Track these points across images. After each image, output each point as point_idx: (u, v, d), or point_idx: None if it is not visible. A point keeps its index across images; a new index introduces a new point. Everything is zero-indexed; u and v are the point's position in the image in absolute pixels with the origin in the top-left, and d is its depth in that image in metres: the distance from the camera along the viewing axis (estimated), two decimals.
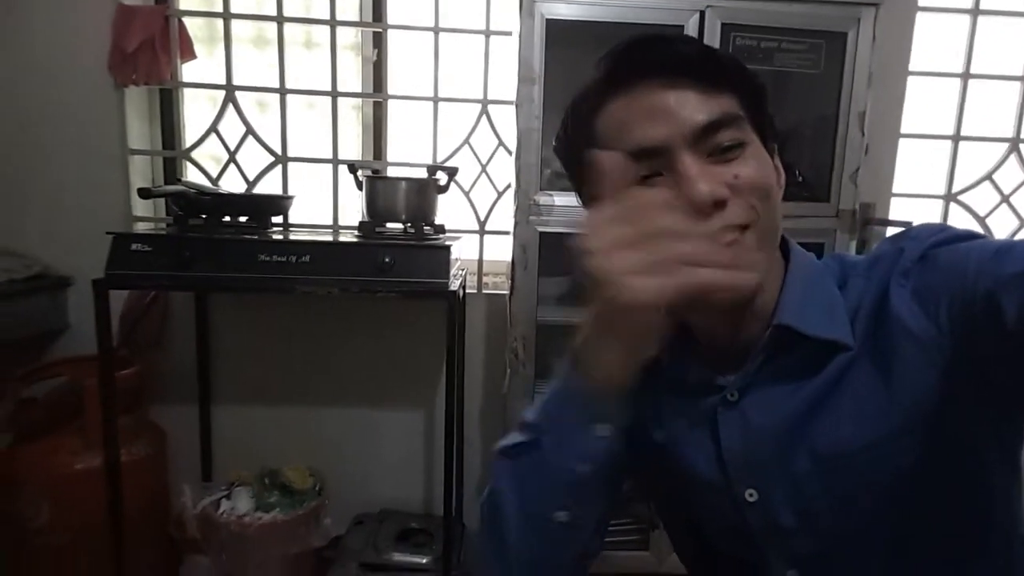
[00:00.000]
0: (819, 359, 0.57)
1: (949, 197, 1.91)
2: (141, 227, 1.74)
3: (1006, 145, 1.90)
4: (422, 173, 1.57)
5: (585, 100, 0.59)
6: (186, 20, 1.76)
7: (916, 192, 1.90)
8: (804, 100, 1.54)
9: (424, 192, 1.56)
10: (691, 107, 0.54)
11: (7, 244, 1.69)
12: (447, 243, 1.45)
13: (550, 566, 0.60)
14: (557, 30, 1.40)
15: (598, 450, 0.56)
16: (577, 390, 0.55)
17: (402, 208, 1.54)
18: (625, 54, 0.56)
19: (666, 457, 0.65)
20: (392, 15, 1.82)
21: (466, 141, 1.83)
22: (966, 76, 1.84)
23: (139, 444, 1.63)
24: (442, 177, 1.59)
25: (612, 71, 0.57)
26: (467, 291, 1.82)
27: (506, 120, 1.78)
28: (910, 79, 1.81)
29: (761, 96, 0.58)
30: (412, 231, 1.54)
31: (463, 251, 1.77)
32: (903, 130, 1.82)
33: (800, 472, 0.57)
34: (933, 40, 1.83)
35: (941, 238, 0.56)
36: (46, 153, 1.72)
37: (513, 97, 1.45)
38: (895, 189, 1.86)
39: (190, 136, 1.84)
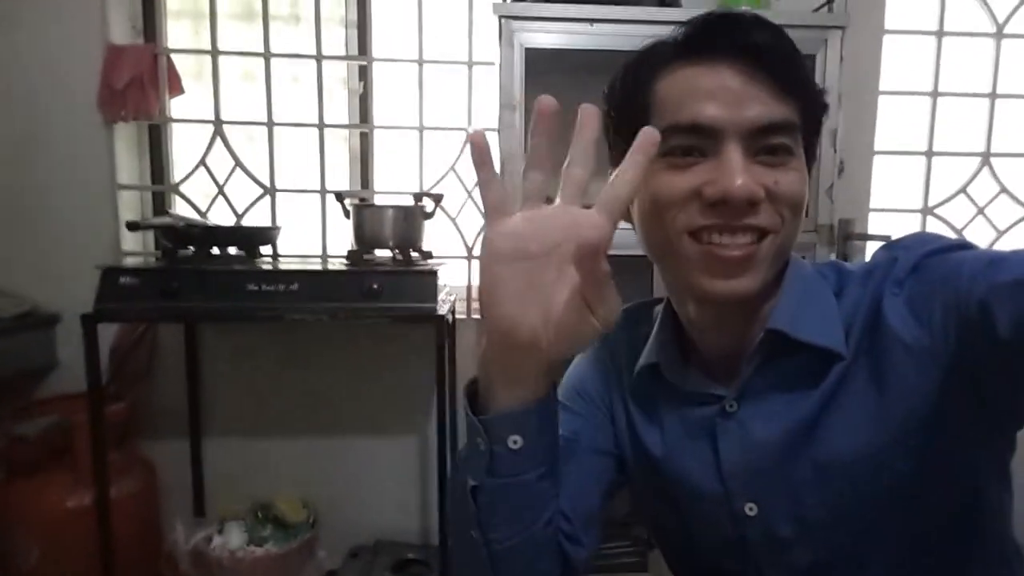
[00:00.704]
0: (816, 369, 0.57)
1: (926, 211, 1.96)
2: (130, 261, 1.75)
3: (978, 159, 1.95)
4: (409, 201, 1.59)
5: (655, 54, 0.57)
6: (175, 56, 1.79)
7: (894, 207, 1.95)
8: None
9: (411, 219, 1.58)
10: (758, 102, 0.53)
11: None
12: (434, 268, 1.47)
13: None
14: (536, 58, 1.45)
15: (478, 465, 0.53)
16: (468, 413, 0.53)
17: (389, 235, 1.56)
18: (714, 27, 0.55)
19: (663, 468, 0.65)
20: (377, 49, 1.86)
21: (451, 168, 1.87)
22: (935, 94, 1.90)
23: (129, 480, 1.61)
24: (428, 204, 1.61)
25: (695, 38, 0.55)
26: (457, 316, 1.83)
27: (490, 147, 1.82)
28: (881, 98, 1.86)
29: (821, 114, 0.58)
30: (400, 258, 1.56)
31: (452, 278, 1.79)
32: (877, 147, 1.87)
33: (799, 482, 0.57)
34: (902, 60, 1.89)
35: (934, 248, 0.56)
36: (36, 190, 1.73)
37: (496, 124, 1.48)
38: (873, 204, 1.90)
39: (179, 170, 1.87)
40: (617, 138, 0.60)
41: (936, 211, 1.96)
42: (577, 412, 0.71)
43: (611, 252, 0.44)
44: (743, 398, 0.60)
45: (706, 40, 0.55)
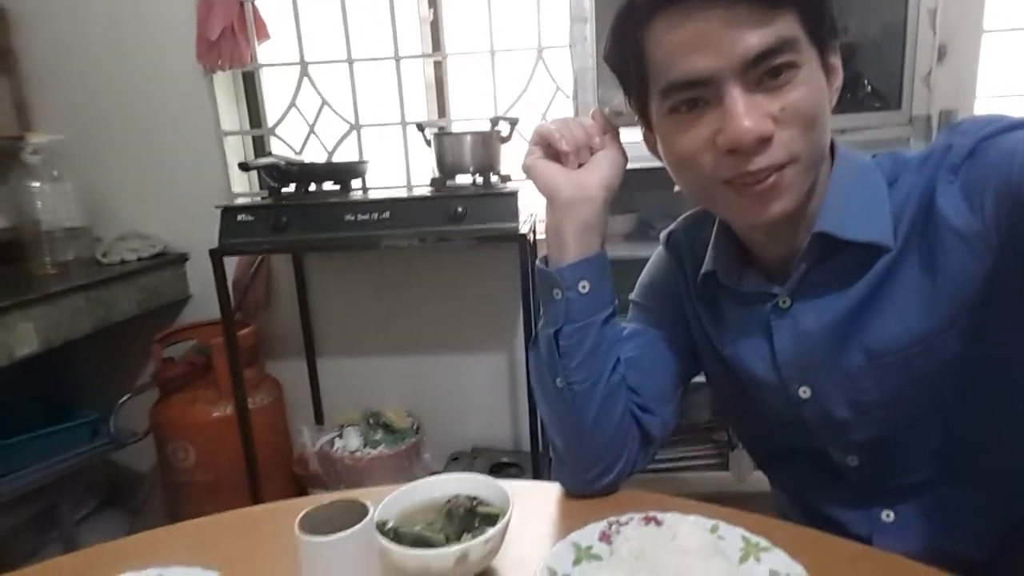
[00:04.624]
0: (863, 261, 0.59)
1: None
2: (240, 201, 1.93)
3: None
4: (485, 126, 1.64)
5: (633, 13, 0.56)
6: (259, 2, 1.88)
7: (1005, 93, 1.78)
8: (870, 3, 1.47)
9: (488, 144, 1.63)
10: (743, 34, 0.50)
11: (135, 228, 1.93)
12: (514, 190, 1.53)
13: (593, 435, 0.68)
14: None
15: (557, 312, 0.67)
16: (540, 270, 0.69)
17: (469, 161, 1.62)
18: None
19: (730, 365, 0.71)
20: None
21: (525, 90, 1.88)
22: None
23: (261, 393, 1.85)
24: (504, 128, 1.65)
25: None
26: (538, 236, 1.90)
27: (561, 64, 1.81)
28: None
29: (822, 3, 0.54)
30: (480, 181, 1.62)
31: (531, 198, 1.84)
32: (987, 26, 1.70)
33: (852, 369, 0.61)
34: None
35: (991, 130, 0.55)
36: (154, 143, 1.93)
37: (567, 39, 1.48)
38: (981, 91, 1.75)
39: (271, 112, 2.00)
40: (626, 90, 0.64)
41: None
42: (649, 307, 0.78)
43: (635, 166, 0.70)
44: (795, 295, 0.63)
45: None
